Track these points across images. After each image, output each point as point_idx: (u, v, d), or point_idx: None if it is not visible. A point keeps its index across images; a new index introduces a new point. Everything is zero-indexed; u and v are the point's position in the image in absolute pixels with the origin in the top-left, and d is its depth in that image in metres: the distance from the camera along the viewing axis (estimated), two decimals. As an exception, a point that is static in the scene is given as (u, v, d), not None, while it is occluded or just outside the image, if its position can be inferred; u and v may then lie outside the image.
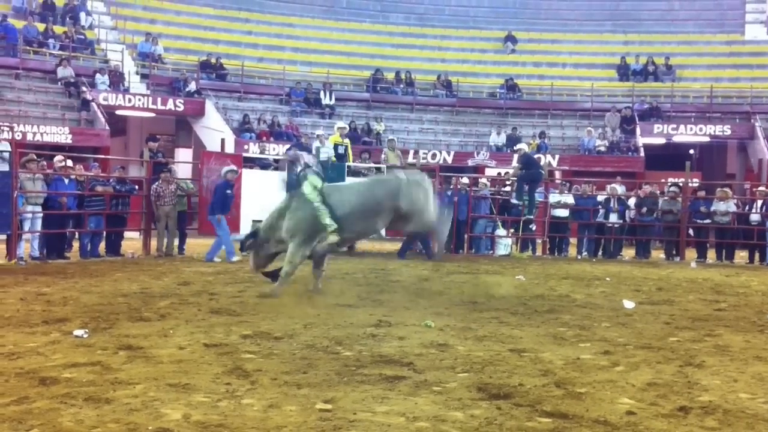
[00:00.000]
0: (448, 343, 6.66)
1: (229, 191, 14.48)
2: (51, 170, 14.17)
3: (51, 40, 25.58)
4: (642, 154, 27.02)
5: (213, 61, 28.21)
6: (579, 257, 18.02)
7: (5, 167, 13.10)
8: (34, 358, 5.77)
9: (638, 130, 27.91)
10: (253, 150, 23.45)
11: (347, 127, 16.32)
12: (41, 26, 25.84)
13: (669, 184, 19.27)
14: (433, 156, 26.27)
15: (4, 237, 13.14)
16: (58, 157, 14.71)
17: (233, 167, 14.98)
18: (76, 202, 14.23)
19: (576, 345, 6.82)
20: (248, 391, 4.97)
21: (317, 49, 31.04)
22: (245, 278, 11.08)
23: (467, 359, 6.06)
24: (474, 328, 7.50)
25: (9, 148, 13.54)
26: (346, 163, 17.40)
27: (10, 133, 14.30)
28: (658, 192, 18.93)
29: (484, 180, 19.78)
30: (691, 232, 18.47)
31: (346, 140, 16.02)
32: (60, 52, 25.23)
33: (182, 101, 25.84)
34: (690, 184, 19.54)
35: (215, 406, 4.61)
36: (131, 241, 16.21)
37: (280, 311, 8.11)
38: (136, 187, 15.73)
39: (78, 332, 6.65)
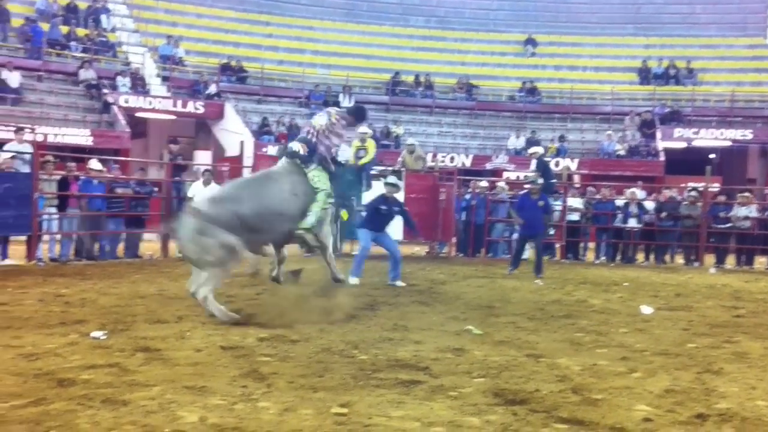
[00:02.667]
0: (465, 348, 6.65)
1: (383, 207, 11.61)
2: (81, 172, 14.28)
3: (73, 43, 25.80)
4: (662, 158, 26.83)
5: (233, 63, 28.34)
6: (596, 262, 17.93)
7: (26, 169, 13.22)
8: (52, 359, 5.81)
9: (659, 134, 27.72)
10: (272, 153, 23.49)
11: (369, 131, 16.05)
12: (64, 29, 26.07)
13: (689, 188, 19.12)
14: (452, 159, 26.22)
15: (24, 238, 13.25)
16: (93, 161, 14.83)
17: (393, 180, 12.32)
18: (105, 204, 14.33)
19: (593, 351, 6.78)
20: (264, 394, 4.99)
21: (337, 52, 31.09)
22: (262, 280, 11.10)
23: (483, 364, 6.04)
24: (490, 333, 7.48)
25: (30, 150, 13.67)
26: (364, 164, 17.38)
27: (32, 134, 14.39)
28: (678, 197, 18.81)
29: (502, 183, 19.72)
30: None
31: (370, 141, 15.72)
32: (82, 55, 25.44)
33: (202, 104, 25.97)
34: (710, 189, 19.38)
35: (231, 408, 4.63)
36: (149, 243, 16.30)
37: (295, 314, 8.12)
38: (156, 188, 15.82)
39: (96, 334, 6.70)
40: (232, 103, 26.37)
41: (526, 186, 14.34)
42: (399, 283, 11.40)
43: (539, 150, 19.08)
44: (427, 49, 32.71)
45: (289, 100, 28.61)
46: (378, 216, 11.57)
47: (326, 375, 5.55)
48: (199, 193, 13.82)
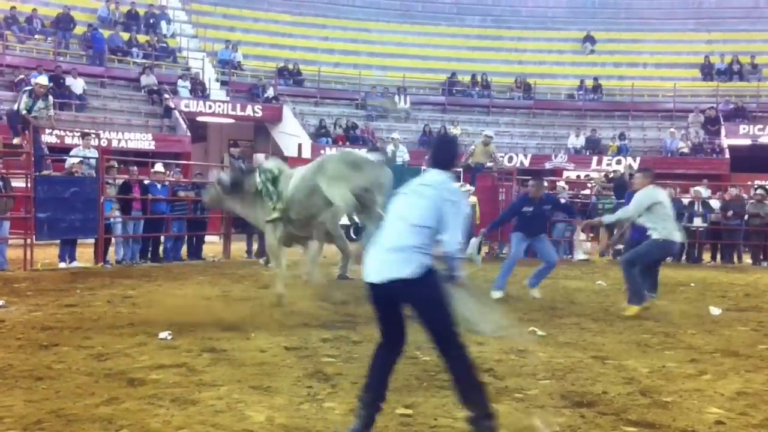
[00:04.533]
0: (529, 350, 6.58)
1: (529, 208, 10.28)
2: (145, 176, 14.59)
3: (135, 49, 26.35)
4: (727, 155, 26.18)
5: (290, 67, 28.59)
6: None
7: (92, 173, 13.53)
8: (122, 359, 5.94)
9: (723, 131, 27.06)
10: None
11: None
12: (125, 35, 26.64)
13: (755, 186, 18.63)
14: (510, 159, 26.00)
15: (91, 241, 13.55)
16: (159, 164, 15.14)
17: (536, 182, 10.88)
18: (169, 207, 14.59)
19: (661, 352, 6.66)
20: (329, 394, 5.02)
21: (393, 53, 31.11)
22: (322, 282, 11.15)
23: (548, 366, 5.98)
24: (554, 334, 7.40)
25: (96, 155, 14.00)
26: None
27: (97, 140, 14.74)
28: (744, 195, 18.33)
29: (561, 183, 19.48)
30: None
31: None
32: (143, 61, 25.95)
33: (260, 107, 26.25)
34: (778, 187, 18.83)
35: (297, 409, 4.66)
36: (211, 245, 16.53)
37: (356, 315, 8.15)
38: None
39: (163, 334, 6.81)
40: (289, 106, 26.59)
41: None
42: (535, 293, 10.07)
43: (620, 170, 18.27)
44: (483, 48, 32.52)
45: (346, 102, 28.71)
46: (526, 219, 10.16)
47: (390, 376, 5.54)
48: None
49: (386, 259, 4.14)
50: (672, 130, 27.23)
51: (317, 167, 9.17)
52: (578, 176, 23.32)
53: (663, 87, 29.76)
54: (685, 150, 26.37)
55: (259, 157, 25.24)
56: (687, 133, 27.11)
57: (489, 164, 19.29)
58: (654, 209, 8.71)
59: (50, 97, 13.63)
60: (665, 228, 8.71)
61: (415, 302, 4.14)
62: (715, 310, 9.12)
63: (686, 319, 8.61)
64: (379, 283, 4.12)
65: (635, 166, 25.19)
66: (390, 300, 4.19)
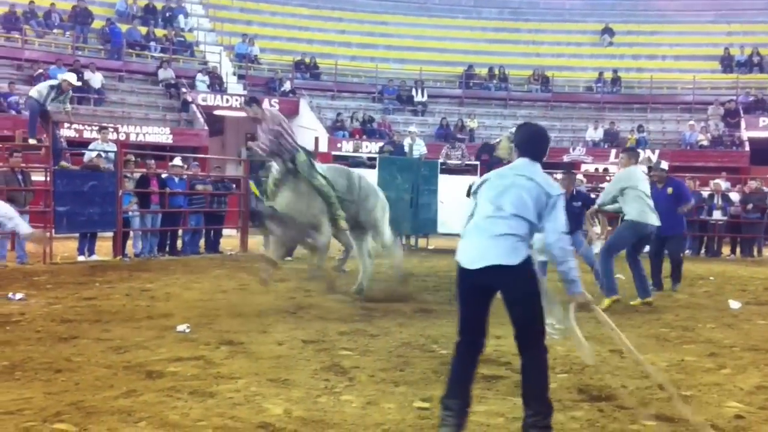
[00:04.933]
0: (546, 343, 6.54)
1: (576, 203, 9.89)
2: (163, 170, 14.64)
3: (152, 43, 26.44)
4: (747, 148, 25.94)
5: (307, 60, 28.60)
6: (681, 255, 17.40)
7: (111, 166, 13.60)
8: (141, 352, 5.97)
9: (743, 124, 26.82)
10: (346, 148, 23.67)
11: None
12: (143, 29, 26.74)
13: (776, 179, 18.45)
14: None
15: (110, 234, 13.63)
16: (178, 159, 15.21)
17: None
18: (186, 201, 14.65)
19: (680, 346, 6.63)
20: (346, 387, 5.02)
21: (410, 46, 31.04)
22: (339, 275, 11.17)
23: (566, 360, 5.96)
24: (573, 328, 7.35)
25: (114, 149, 14.07)
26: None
27: (115, 134, 14.80)
28: (764, 188, 18.16)
29: (580, 176, 19.36)
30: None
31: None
32: (161, 55, 26.02)
33: (277, 101, 26.23)
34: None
35: (315, 401, 4.67)
36: (228, 238, 16.59)
37: (372, 309, 8.16)
38: (234, 185, 16.09)
39: (180, 327, 6.85)
40: (306, 99, 26.60)
41: (652, 174, 10.77)
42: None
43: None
44: (500, 41, 32.35)
45: (363, 96, 28.67)
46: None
47: (407, 369, 5.55)
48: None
49: (489, 245, 4.09)
50: (691, 122, 27.00)
51: None
52: (596, 169, 23.18)
53: (682, 79, 29.49)
54: (705, 143, 26.16)
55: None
56: (706, 125, 26.89)
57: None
58: (627, 191, 8.59)
59: (69, 91, 13.68)
60: (635, 209, 8.55)
61: (513, 291, 4.11)
62: (734, 304, 9.06)
63: (705, 312, 8.55)
64: (480, 268, 4.06)
65: (654, 158, 25.05)
66: (486, 287, 4.14)
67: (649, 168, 11.49)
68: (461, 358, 4.22)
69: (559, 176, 10.58)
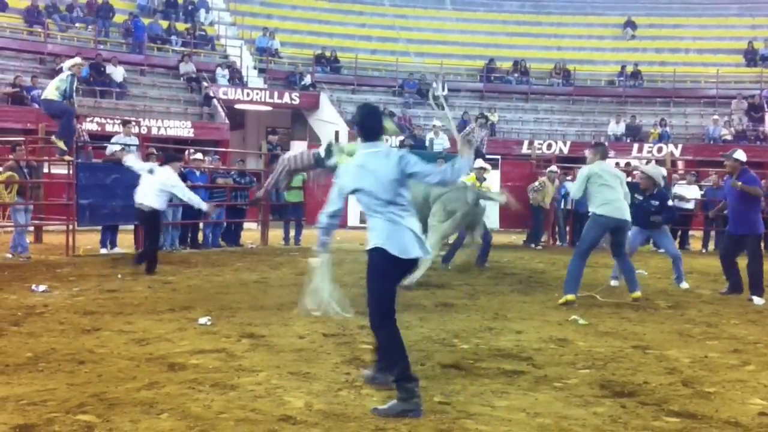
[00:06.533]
0: (568, 338, 6.53)
1: (638, 197, 10.11)
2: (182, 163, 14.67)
3: (174, 37, 26.57)
4: (771, 143, 25.72)
5: (327, 54, 28.60)
6: (704, 251, 17.26)
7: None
8: (163, 344, 6.00)
9: (767, 118, 26.53)
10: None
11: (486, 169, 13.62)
12: (165, 23, 26.86)
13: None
14: (549, 146, 25.75)
15: (131, 227, 13.70)
16: (198, 155, 15.25)
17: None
18: (208, 194, 14.68)
19: (703, 342, 6.56)
20: (367, 381, 5.01)
21: (430, 40, 30.96)
22: (359, 269, 11.15)
23: (588, 355, 5.92)
24: (594, 323, 7.33)
25: (136, 142, 14.11)
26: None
27: (137, 127, 14.86)
28: (789, 183, 17.92)
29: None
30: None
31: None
32: (182, 49, 26.13)
33: (298, 95, 26.31)
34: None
35: (336, 395, 4.67)
36: (249, 232, 16.64)
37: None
38: (255, 179, 16.12)
39: (202, 320, 6.87)
40: (326, 93, 26.62)
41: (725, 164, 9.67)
42: (684, 284, 10.09)
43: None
44: (522, 34, 32.21)
45: (383, 89, 28.65)
46: (635, 208, 9.28)
47: (428, 364, 5.54)
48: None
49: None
50: (715, 117, 26.76)
51: None
52: (617, 164, 22.98)
53: (705, 73, 29.23)
54: (728, 137, 25.90)
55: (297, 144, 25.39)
56: (730, 120, 26.63)
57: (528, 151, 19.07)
58: (590, 185, 8.50)
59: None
60: (598, 202, 8.40)
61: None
62: (758, 300, 8.97)
63: (729, 308, 8.48)
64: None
65: (677, 153, 24.88)
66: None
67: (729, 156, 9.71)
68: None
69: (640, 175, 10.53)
